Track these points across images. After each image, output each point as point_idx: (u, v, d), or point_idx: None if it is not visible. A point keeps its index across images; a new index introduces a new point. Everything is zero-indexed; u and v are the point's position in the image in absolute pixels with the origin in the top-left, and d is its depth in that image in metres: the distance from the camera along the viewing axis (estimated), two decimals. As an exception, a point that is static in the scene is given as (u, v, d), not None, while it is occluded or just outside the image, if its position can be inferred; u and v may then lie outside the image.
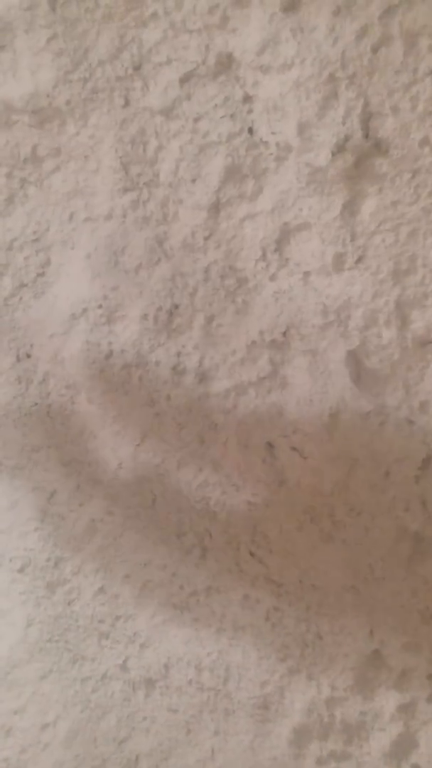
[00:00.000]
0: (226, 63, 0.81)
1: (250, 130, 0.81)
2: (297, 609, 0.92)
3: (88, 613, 0.98)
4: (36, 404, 0.93)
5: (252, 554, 0.92)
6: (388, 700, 0.91)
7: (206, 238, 0.85)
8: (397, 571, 0.89)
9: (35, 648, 1.00)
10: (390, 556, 0.88)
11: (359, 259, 0.82)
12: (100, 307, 0.88)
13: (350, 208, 0.81)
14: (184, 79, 0.81)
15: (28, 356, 0.91)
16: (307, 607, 0.92)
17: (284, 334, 0.85)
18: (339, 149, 0.79)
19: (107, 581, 0.97)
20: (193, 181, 0.84)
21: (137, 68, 0.82)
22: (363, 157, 0.80)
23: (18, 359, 0.92)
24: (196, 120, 0.82)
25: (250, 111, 0.81)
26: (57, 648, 0.99)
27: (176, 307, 0.86)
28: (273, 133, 0.81)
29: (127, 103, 0.83)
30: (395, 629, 0.90)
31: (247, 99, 0.81)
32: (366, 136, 0.79)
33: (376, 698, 0.92)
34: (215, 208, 0.84)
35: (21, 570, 0.98)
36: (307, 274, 0.84)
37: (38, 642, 0.99)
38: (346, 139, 0.79)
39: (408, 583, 0.88)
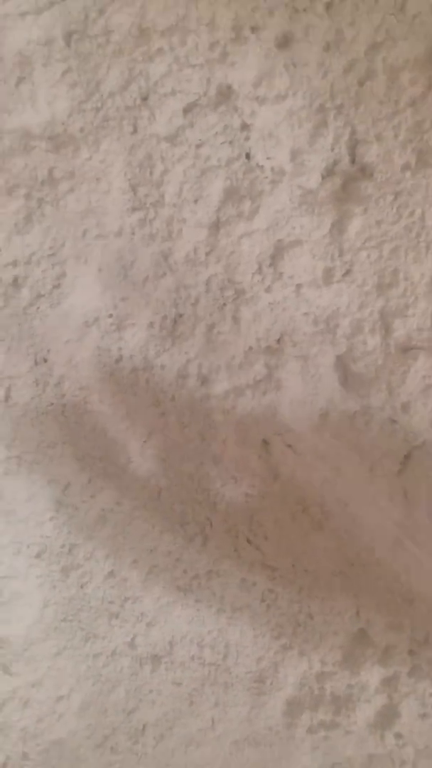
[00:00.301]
0: (225, 94, 0.86)
1: (248, 156, 0.87)
2: (290, 591, 0.97)
3: (99, 595, 1.03)
4: (52, 404, 0.97)
5: (249, 541, 0.97)
6: (373, 675, 0.96)
7: (207, 254, 0.90)
8: (381, 557, 0.94)
9: (51, 627, 1.04)
10: (375, 544, 0.94)
11: (346, 273, 0.87)
12: (110, 316, 0.93)
13: (338, 226, 0.86)
14: (188, 109, 0.87)
15: (45, 361, 0.96)
16: (300, 590, 0.97)
17: (278, 341, 0.90)
18: (328, 173, 0.85)
19: (117, 566, 1.01)
20: (196, 201, 0.89)
21: (145, 99, 0.88)
22: (350, 181, 0.85)
23: (36, 363, 0.97)
24: (198, 146, 0.87)
25: (247, 138, 0.86)
26: (71, 627, 1.03)
27: (180, 316, 0.91)
28: (268, 158, 0.86)
29: (135, 131, 0.89)
30: (380, 610, 0.95)
31: (245, 127, 0.86)
32: (353, 161, 0.84)
33: (362, 673, 0.96)
34: (215, 226, 0.89)
35: (38, 556, 1.02)
36: (299, 286, 0.89)
37: (53, 621, 1.03)
38: (335, 163, 0.84)
39: (391, 568, 0.93)
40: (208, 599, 1.00)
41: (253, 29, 0.84)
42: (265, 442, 0.93)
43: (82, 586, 1.03)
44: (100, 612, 1.03)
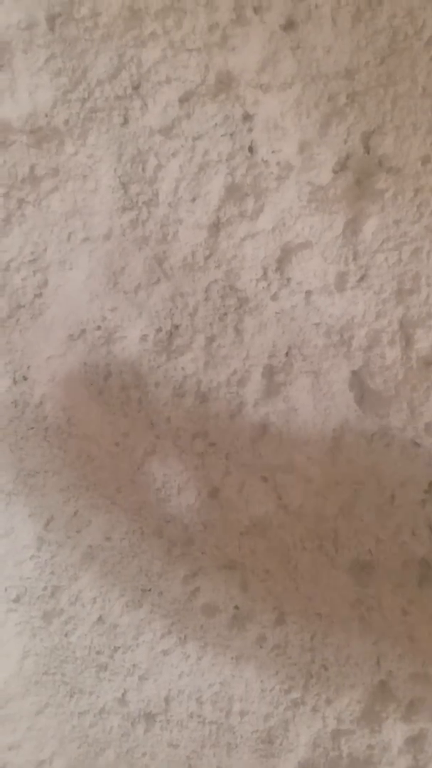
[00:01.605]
0: (225, 82, 0.80)
1: (251, 149, 0.81)
2: (301, 638, 0.89)
3: (85, 644, 0.95)
4: (32, 428, 0.91)
5: (254, 581, 0.89)
6: (396, 733, 0.88)
7: (206, 258, 0.83)
8: (403, 598, 0.86)
9: (31, 681, 0.96)
10: (397, 583, 0.86)
11: (362, 278, 0.81)
12: (98, 328, 0.86)
13: (352, 226, 0.80)
14: (184, 98, 0.81)
15: (25, 378, 0.89)
16: (312, 637, 0.89)
17: (286, 354, 0.83)
18: (341, 168, 0.78)
19: (105, 611, 0.94)
20: (193, 200, 0.82)
21: (136, 87, 0.81)
22: (365, 176, 0.79)
23: (14, 382, 0.90)
24: (196, 139, 0.81)
25: (250, 130, 0.80)
26: (53, 681, 0.96)
27: (176, 327, 0.85)
28: (273, 151, 0.80)
29: (126, 123, 0.82)
30: (402, 659, 0.87)
31: (247, 118, 0.80)
32: (368, 154, 0.78)
33: (384, 731, 0.88)
34: (215, 227, 0.83)
35: (17, 600, 0.95)
36: (309, 293, 0.82)
37: (34, 675, 0.96)
38: (348, 157, 0.78)
39: (415, 611, 0.86)
40: (208, 648, 0.92)
41: (256, 10, 0.77)
42: (272, 468, 0.86)
43: (66, 634, 0.95)
44: (87, 663, 0.95)
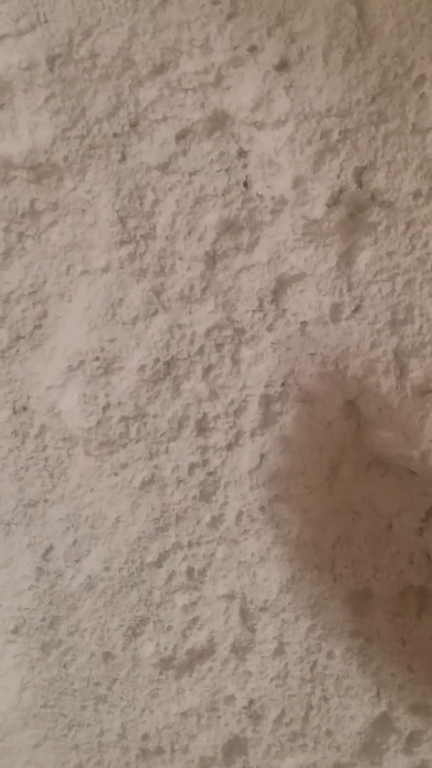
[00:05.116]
0: (221, 120, 0.82)
1: (246, 184, 0.82)
2: (301, 669, 0.88)
3: (84, 675, 0.94)
4: (32, 458, 0.91)
5: (251, 611, 0.89)
6: (397, 766, 0.87)
7: (203, 290, 0.84)
8: (402, 628, 0.85)
9: (29, 714, 0.94)
10: (395, 613, 0.85)
11: (356, 309, 0.82)
12: (97, 359, 0.87)
13: (346, 258, 0.81)
14: (180, 136, 0.82)
15: (25, 409, 0.90)
16: (312, 667, 0.88)
17: (282, 384, 0.84)
18: (334, 202, 0.80)
19: (104, 641, 0.93)
20: (190, 233, 0.84)
21: (134, 125, 0.83)
22: (358, 209, 0.80)
23: (14, 412, 0.90)
24: (192, 174, 0.83)
25: (245, 166, 0.82)
26: (52, 713, 0.94)
27: (174, 358, 0.85)
28: (268, 186, 0.81)
29: (123, 159, 0.84)
30: (402, 690, 0.86)
31: (242, 154, 0.82)
32: (360, 188, 0.80)
33: (385, 763, 0.87)
34: (212, 260, 0.84)
35: (15, 631, 0.93)
36: (304, 324, 0.83)
37: (32, 707, 0.94)
38: (341, 191, 0.80)
39: (414, 641, 0.85)
40: (207, 680, 0.90)
41: (251, 51, 0.79)
42: (269, 498, 0.85)
43: (64, 666, 0.94)
44: (86, 695, 0.94)
